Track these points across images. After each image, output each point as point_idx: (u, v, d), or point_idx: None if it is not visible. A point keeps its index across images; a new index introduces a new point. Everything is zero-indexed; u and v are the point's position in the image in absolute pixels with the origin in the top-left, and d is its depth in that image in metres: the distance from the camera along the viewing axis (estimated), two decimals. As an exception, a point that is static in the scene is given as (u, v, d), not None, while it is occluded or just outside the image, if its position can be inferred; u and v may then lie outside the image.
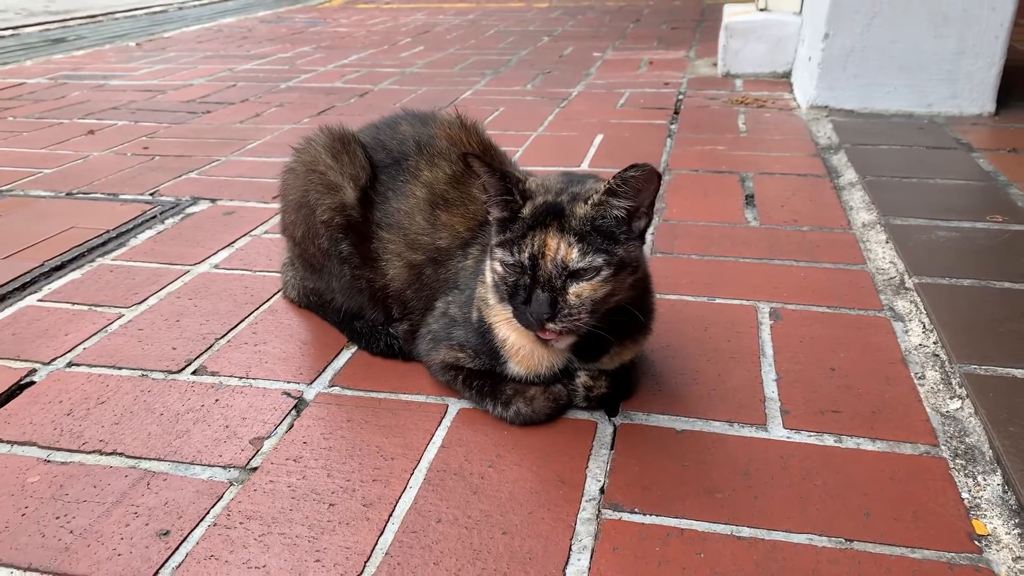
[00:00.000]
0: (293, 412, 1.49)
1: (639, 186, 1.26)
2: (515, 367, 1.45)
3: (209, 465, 1.36)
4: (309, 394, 1.55)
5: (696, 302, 1.86)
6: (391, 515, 1.24)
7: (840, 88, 3.44)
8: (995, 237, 2.15)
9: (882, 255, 2.09)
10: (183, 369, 1.63)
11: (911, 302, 1.84)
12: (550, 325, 1.27)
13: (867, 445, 1.38)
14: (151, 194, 2.65)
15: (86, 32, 6.36)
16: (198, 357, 1.67)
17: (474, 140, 1.64)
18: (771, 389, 1.54)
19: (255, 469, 1.34)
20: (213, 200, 2.58)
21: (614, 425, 1.44)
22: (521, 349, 1.43)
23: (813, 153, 2.98)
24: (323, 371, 1.62)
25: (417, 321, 1.63)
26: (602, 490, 1.29)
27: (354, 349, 1.70)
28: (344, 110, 3.76)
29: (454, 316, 1.53)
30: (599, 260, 1.27)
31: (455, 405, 1.51)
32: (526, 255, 1.28)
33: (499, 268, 1.32)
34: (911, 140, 3.05)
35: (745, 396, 1.52)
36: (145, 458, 1.37)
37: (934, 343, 1.67)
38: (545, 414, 1.44)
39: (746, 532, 1.19)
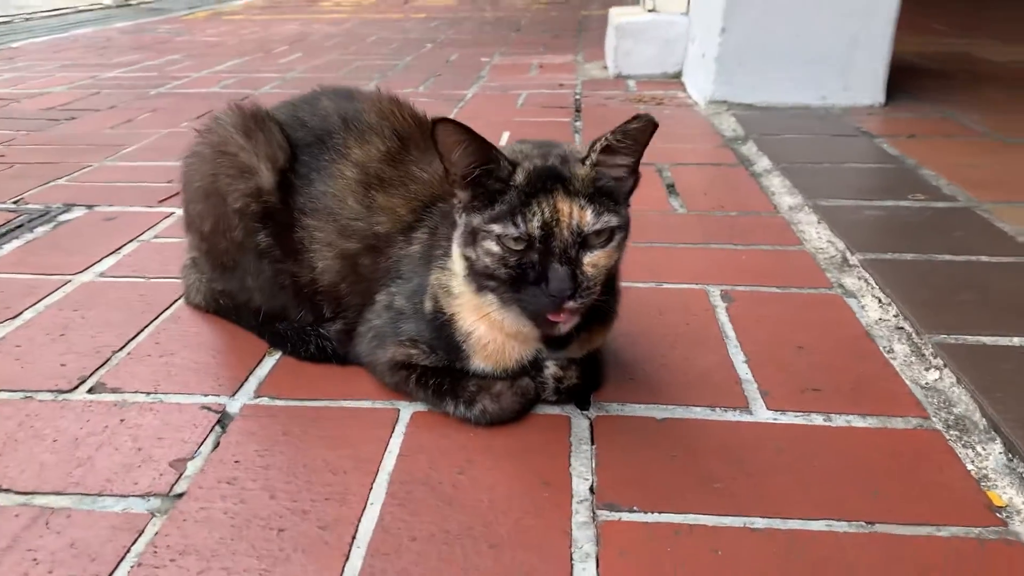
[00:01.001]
0: (217, 428, 1.28)
1: (639, 138, 1.14)
2: (480, 362, 1.29)
3: (122, 496, 1.13)
4: (233, 407, 1.34)
5: (644, 288, 1.75)
6: (355, 537, 1.05)
7: (738, 83, 3.45)
8: (921, 214, 2.14)
9: (817, 235, 2.05)
10: (76, 387, 1.38)
11: (859, 278, 1.79)
12: (570, 303, 1.12)
13: (857, 422, 1.29)
14: (14, 202, 2.34)
15: (-83, 44, 5.77)
16: (93, 373, 1.43)
17: (407, 114, 1.48)
18: (744, 371, 1.43)
19: (181, 496, 1.13)
20: (90, 206, 2.30)
21: (588, 419, 1.30)
22: (490, 343, 1.27)
23: (721, 144, 2.95)
24: (245, 381, 1.41)
25: (353, 319, 1.44)
26: (592, 489, 1.14)
27: (278, 355, 1.49)
28: (226, 114, 3.49)
29: (401, 308, 1.36)
30: (613, 220, 1.14)
31: (407, 409, 1.33)
32: (535, 224, 1.12)
33: (494, 248, 1.16)
34: (814, 129, 3.07)
35: (719, 379, 1.41)
36: (39, 493, 1.14)
37: (894, 316, 1.61)
38: (514, 411, 1.28)
39: (760, 523, 1.07)
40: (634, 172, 1.21)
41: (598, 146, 1.16)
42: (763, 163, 2.66)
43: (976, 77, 4.01)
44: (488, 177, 1.17)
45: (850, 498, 1.12)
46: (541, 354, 1.31)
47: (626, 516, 1.09)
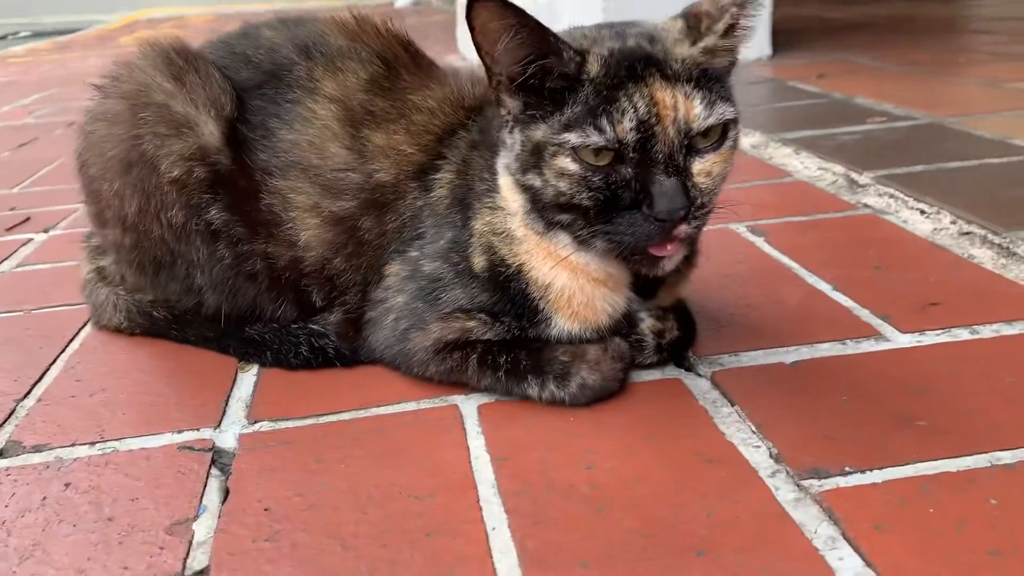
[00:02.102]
0: (216, 471, 0.89)
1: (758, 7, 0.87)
2: (565, 323, 0.97)
3: (110, 591, 0.73)
4: (225, 441, 0.95)
5: (662, 235, 1.48)
6: (495, 571, 0.71)
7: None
8: (895, 133, 2.01)
9: (803, 165, 1.85)
10: (-22, 454, 0.95)
11: (882, 196, 1.60)
12: (683, 228, 0.83)
13: (1008, 330, 1.07)
14: None
15: None
16: (-3, 431, 0.99)
17: (384, 31, 1.13)
18: (841, 298, 1.19)
19: (204, 572, 0.74)
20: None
21: (705, 377, 1.01)
22: (576, 295, 0.96)
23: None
24: (226, 407, 1.02)
25: (356, 304, 1.08)
26: (775, 458, 0.85)
27: (254, 369, 1.10)
28: (57, 139, 2.95)
29: (434, 274, 1.01)
30: (729, 111, 0.85)
31: (467, 403, 0.99)
32: (628, 125, 0.82)
33: (571, 166, 0.85)
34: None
35: (824, 310, 1.16)
36: (-28, 613, 0.71)
37: (951, 223, 1.42)
38: (618, 380, 0.97)
39: (1007, 457, 0.82)
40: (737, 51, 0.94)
41: (719, 26, 0.87)
42: (694, 113, 2.47)
43: (837, 29, 4.05)
44: (548, 75, 0.86)
45: (1080, 409, 0.89)
46: (633, 304, 1.00)
47: (843, 481, 0.80)
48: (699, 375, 1.02)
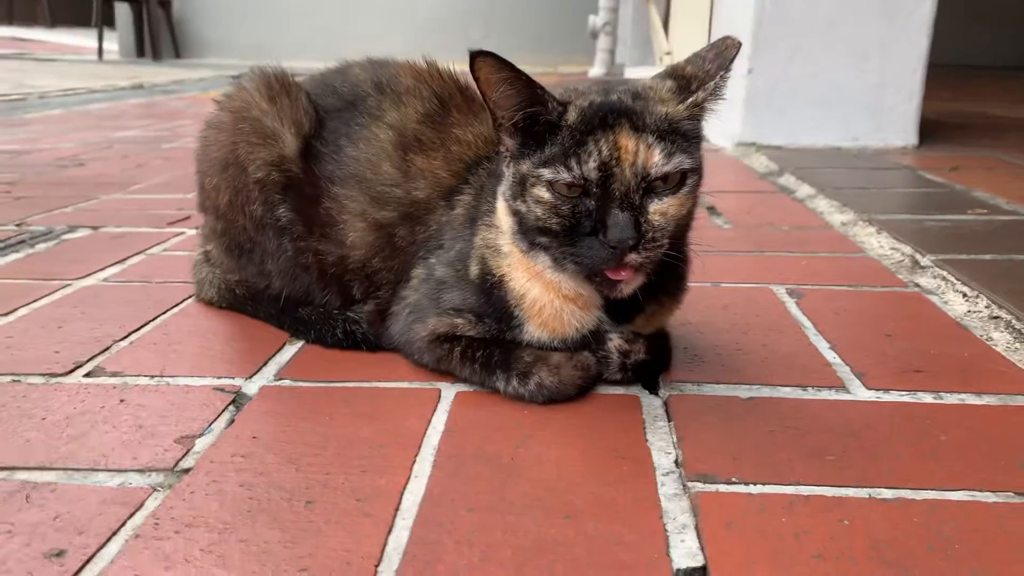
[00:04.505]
0: (231, 408, 1.10)
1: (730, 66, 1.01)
2: (535, 330, 1.12)
3: (118, 471, 0.95)
4: (250, 388, 1.16)
5: (700, 287, 1.58)
6: (398, 508, 0.87)
7: (766, 124, 3.35)
8: (988, 225, 2.00)
9: (879, 244, 1.89)
10: (71, 372, 1.21)
11: (935, 277, 1.62)
12: (632, 256, 0.96)
13: (973, 400, 1.11)
14: (16, 224, 2.20)
15: (-68, 115, 5.75)
16: (91, 359, 1.25)
17: (446, 76, 1.34)
18: (831, 355, 1.26)
19: (188, 471, 0.95)
20: (95, 228, 2.15)
21: (661, 398, 1.12)
22: (546, 307, 1.11)
23: (757, 177, 2.83)
24: (264, 365, 1.24)
25: (387, 299, 1.28)
26: (677, 463, 0.96)
27: (300, 344, 1.32)
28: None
29: (441, 278, 1.19)
30: (687, 162, 0.99)
31: (450, 389, 1.15)
32: (592, 165, 0.97)
33: (545, 195, 1.00)
34: (851, 164, 2.95)
35: (806, 362, 1.23)
36: (21, 468, 0.95)
37: (985, 307, 1.44)
38: (575, 386, 1.10)
39: (887, 493, 0.89)
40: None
41: (709, 85, 1.02)
42: (805, 190, 2.53)
43: (999, 127, 3.93)
44: (536, 120, 1.03)
45: (991, 470, 0.94)
46: (604, 324, 1.14)
47: (724, 488, 0.90)
48: (657, 396, 1.13)
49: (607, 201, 0.98)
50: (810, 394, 1.13)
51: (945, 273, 1.62)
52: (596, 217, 0.98)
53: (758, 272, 1.68)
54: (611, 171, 0.98)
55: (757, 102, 3.33)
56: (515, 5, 10.52)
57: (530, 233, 1.06)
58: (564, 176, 0.99)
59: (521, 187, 1.04)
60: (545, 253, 1.06)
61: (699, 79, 1.04)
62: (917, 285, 1.61)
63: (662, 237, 1.00)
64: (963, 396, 1.12)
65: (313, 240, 1.31)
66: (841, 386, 1.15)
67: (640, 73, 4.39)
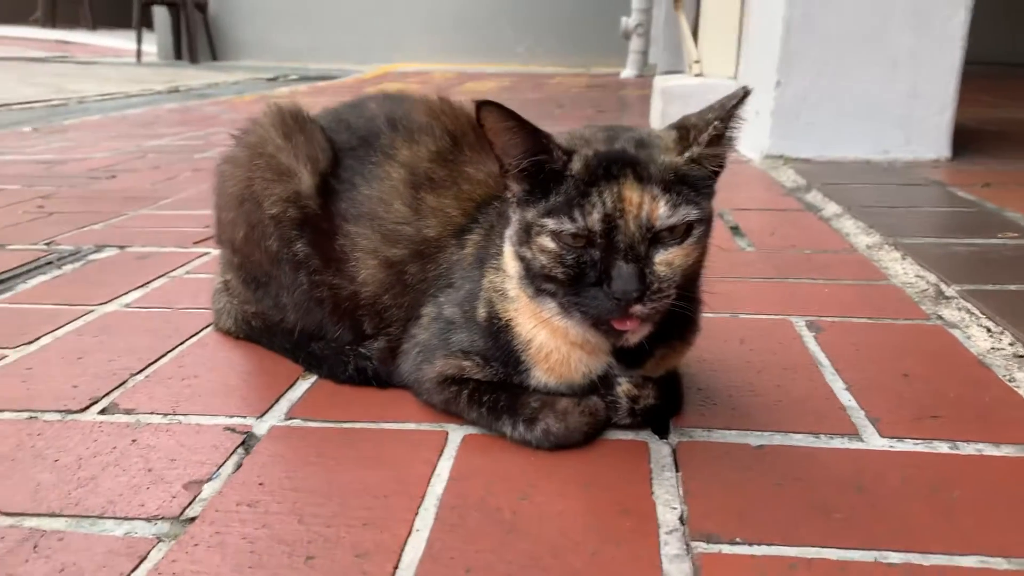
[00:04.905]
0: (240, 450, 1.11)
1: (738, 116, 1.00)
2: (542, 376, 1.12)
3: (125, 518, 0.96)
4: (260, 429, 1.17)
5: (719, 318, 1.57)
6: (397, 566, 0.87)
7: (794, 137, 3.30)
8: (1018, 250, 1.95)
9: (903, 271, 1.86)
10: (87, 408, 1.23)
11: (959, 309, 1.59)
12: (637, 308, 0.95)
13: (991, 451, 1.09)
14: (46, 243, 2.24)
15: (-26, 121, 5.87)
16: (107, 395, 1.27)
17: (460, 114, 1.34)
18: (846, 397, 1.24)
19: (193, 520, 0.96)
20: (121, 247, 2.18)
21: (670, 445, 1.11)
22: (552, 353, 1.10)
23: (783, 193, 2.79)
24: (275, 403, 1.25)
25: (397, 336, 1.28)
26: (682, 520, 0.95)
27: (313, 379, 1.33)
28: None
29: (450, 318, 1.19)
30: (693, 213, 0.98)
31: (457, 431, 1.15)
32: (596, 217, 0.97)
33: (550, 244, 1.00)
34: (880, 180, 2.90)
35: (819, 406, 1.21)
36: (30, 514, 0.97)
37: (1010, 344, 1.41)
38: (582, 433, 1.10)
39: (895, 557, 0.87)
40: (726, 157, 1.06)
41: (704, 137, 1.01)
42: (831, 208, 2.49)
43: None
44: (541, 169, 1.02)
45: (1009, 533, 0.91)
46: (612, 370, 1.13)
47: (727, 548, 0.89)
48: (667, 442, 1.12)
49: (612, 253, 0.97)
50: (822, 442, 1.11)
51: (970, 305, 1.58)
52: (601, 268, 0.98)
53: (778, 301, 1.66)
54: (615, 223, 0.97)
55: (785, 114, 3.29)
56: (548, 6, 10.51)
57: (536, 280, 1.05)
58: (568, 227, 0.98)
59: (527, 234, 1.04)
60: (551, 299, 1.05)
61: (698, 129, 1.03)
62: (940, 317, 1.57)
63: (668, 287, 0.99)
64: (980, 446, 1.10)
65: (328, 275, 1.31)
66: (854, 433, 1.13)
67: (671, 81, 4.35)
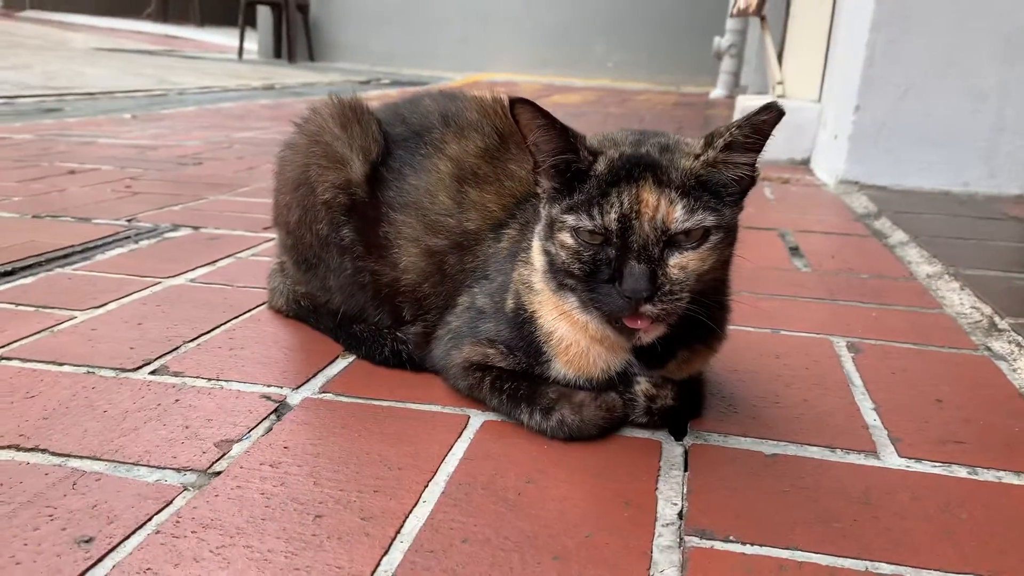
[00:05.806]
0: (273, 416, 1.17)
1: (765, 132, 1.01)
2: (561, 367, 1.15)
3: (158, 467, 1.03)
4: (294, 399, 1.23)
5: (758, 332, 1.57)
6: (399, 531, 0.91)
7: (871, 162, 3.25)
8: (1084, 288, 1.89)
9: (959, 301, 1.82)
10: (139, 368, 1.31)
11: (1010, 342, 1.56)
12: (647, 307, 0.98)
13: (1011, 479, 1.07)
14: (127, 220, 2.37)
15: (81, 106, 6.20)
16: (159, 358, 1.35)
17: (510, 115, 1.38)
18: (871, 417, 1.23)
19: (218, 474, 1.02)
20: (196, 228, 2.30)
21: (683, 446, 1.13)
22: (572, 346, 1.13)
23: (853, 219, 2.75)
24: (312, 377, 1.31)
25: (433, 322, 1.33)
26: (681, 515, 0.96)
27: (351, 359, 1.39)
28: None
29: (481, 308, 1.24)
30: (709, 219, 1.00)
31: (478, 417, 1.19)
32: (613, 216, 1.00)
33: (569, 240, 1.04)
34: (955, 211, 2.83)
35: (841, 422, 1.21)
36: (75, 456, 1.05)
37: (1055, 380, 1.38)
38: (597, 426, 1.12)
39: (886, 569, 0.87)
40: (753, 169, 1.07)
41: (719, 142, 1.03)
42: (898, 236, 2.45)
43: None
44: (569, 166, 1.06)
45: (1008, 556, 0.91)
46: (632, 368, 1.15)
47: (720, 545, 0.91)
48: (681, 443, 1.14)
49: (625, 252, 1.00)
50: (837, 456, 1.11)
51: (1020, 338, 1.55)
52: (615, 266, 1.01)
53: (822, 321, 1.65)
54: (630, 223, 1.00)
55: (863, 140, 3.24)
56: (640, 22, 10.52)
57: (558, 274, 1.09)
58: (586, 224, 1.02)
59: (551, 229, 1.08)
60: (572, 294, 1.09)
61: (718, 135, 1.05)
62: (988, 349, 1.55)
63: (681, 290, 1.01)
64: (1001, 474, 1.08)
65: (371, 261, 1.37)
66: (872, 451, 1.13)
67: (753, 101, 4.32)
